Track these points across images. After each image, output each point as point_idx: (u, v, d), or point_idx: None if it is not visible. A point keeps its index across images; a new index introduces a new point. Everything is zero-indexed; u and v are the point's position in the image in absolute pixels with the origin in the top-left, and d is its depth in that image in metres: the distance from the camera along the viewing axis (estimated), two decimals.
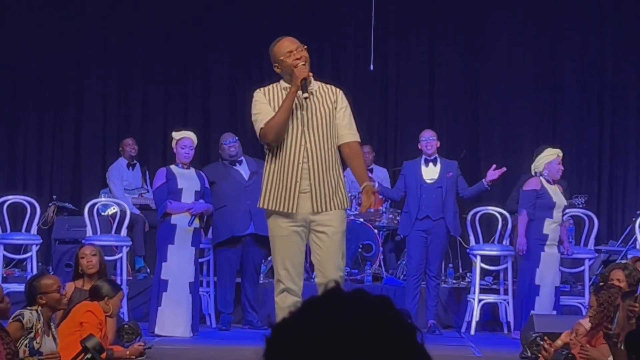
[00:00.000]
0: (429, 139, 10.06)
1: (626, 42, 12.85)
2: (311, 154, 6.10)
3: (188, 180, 9.39)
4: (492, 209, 10.56)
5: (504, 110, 12.99)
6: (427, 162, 10.06)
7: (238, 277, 10.10)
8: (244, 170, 9.98)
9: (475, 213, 10.52)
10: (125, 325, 7.93)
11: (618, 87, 12.95)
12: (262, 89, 6.27)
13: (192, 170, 9.52)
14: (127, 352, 7.66)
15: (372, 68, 11.62)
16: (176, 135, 9.52)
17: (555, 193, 9.64)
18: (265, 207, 6.19)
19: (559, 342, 7.06)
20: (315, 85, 6.21)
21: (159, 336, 9.08)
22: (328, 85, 6.30)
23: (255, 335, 9.23)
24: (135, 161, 11.69)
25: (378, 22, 12.08)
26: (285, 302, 6.10)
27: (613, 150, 12.90)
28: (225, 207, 9.75)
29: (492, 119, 13.04)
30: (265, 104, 6.16)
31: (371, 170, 11.43)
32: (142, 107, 13.02)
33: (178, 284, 9.22)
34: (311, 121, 6.13)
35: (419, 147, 10.12)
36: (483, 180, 9.93)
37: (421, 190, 9.96)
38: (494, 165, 9.92)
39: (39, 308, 6.38)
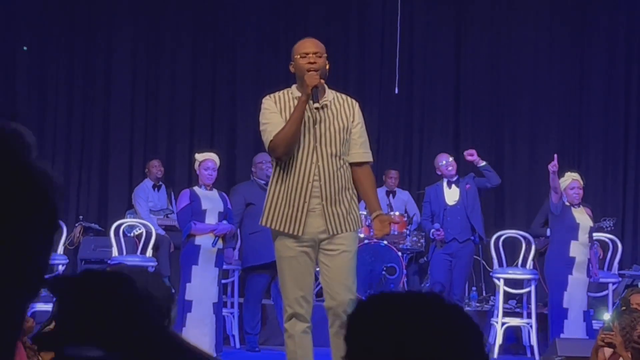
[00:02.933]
0: (448, 162, 10.07)
1: None
2: (323, 172, 5.60)
3: (211, 202, 9.43)
4: (516, 233, 10.56)
5: (530, 135, 12.99)
6: (450, 184, 10.09)
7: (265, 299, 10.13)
8: None
9: (499, 236, 10.52)
10: None
11: None
12: (271, 95, 5.75)
13: (215, 191, 9.55)
14: None
15: (397, 91, 11.67)
16: (199, 156, 9.56)
17: (579, 214, 9.63)
18: (268, 226, 5.71)
19: None
20: (330, 95, 5.72)
21: None
22: (344, 96, 5.79)
23: (281, 357, 9.24)
24: (160, 182, 11.77)
25: (403, 45, 12.13)
26: (294, 329, 5.61)
27: (638, 173, 12.86)
28: (261, 232, 9.74)
29: (518, 142, 13.03)
30: (275, 114, 5.64)
31: (394, 194, 11.46)
32: (168, 129, 13.11)
33: (202, 304, 9.24)
34: (324, 136, 5.62)
35: (438, 172, 10.12)
36: None
37: (445, 213, 9.99)
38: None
39: None
